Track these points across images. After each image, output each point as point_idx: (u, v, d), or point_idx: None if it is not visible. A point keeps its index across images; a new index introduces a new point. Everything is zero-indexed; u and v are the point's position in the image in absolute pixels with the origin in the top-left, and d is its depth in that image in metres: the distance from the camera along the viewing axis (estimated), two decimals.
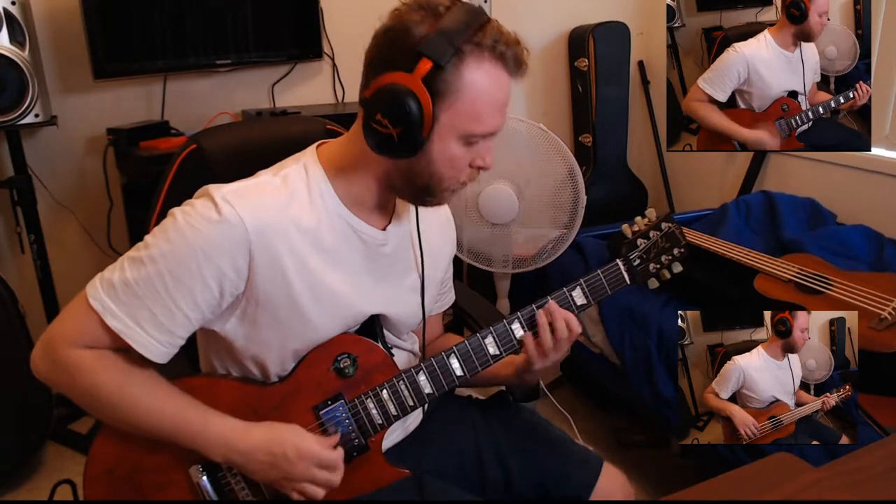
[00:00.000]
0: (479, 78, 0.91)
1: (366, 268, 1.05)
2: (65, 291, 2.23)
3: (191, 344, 1.09)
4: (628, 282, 1.11)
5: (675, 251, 1.13)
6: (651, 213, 1.15)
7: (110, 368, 0.94)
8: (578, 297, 1.08)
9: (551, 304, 1.07)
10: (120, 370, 0.94)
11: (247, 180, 0.99)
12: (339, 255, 1.01)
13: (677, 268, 1.14)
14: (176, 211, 0.95)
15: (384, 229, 1.05)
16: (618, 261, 1.11)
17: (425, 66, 0.88)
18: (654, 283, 1.14)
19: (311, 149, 1.04)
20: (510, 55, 0.93)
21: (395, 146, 0.92)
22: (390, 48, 0.91)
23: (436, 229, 1.17)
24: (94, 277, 0.95)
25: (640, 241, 1.12)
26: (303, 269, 0.97)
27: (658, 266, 1.13)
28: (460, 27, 0.90)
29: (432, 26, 0.89)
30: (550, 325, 1.05)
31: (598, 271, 1.10)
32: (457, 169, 0.97)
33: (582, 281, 1.09)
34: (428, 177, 0.97)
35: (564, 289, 1.08)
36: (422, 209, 1.09)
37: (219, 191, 0.94)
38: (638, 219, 1.14)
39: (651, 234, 1.12)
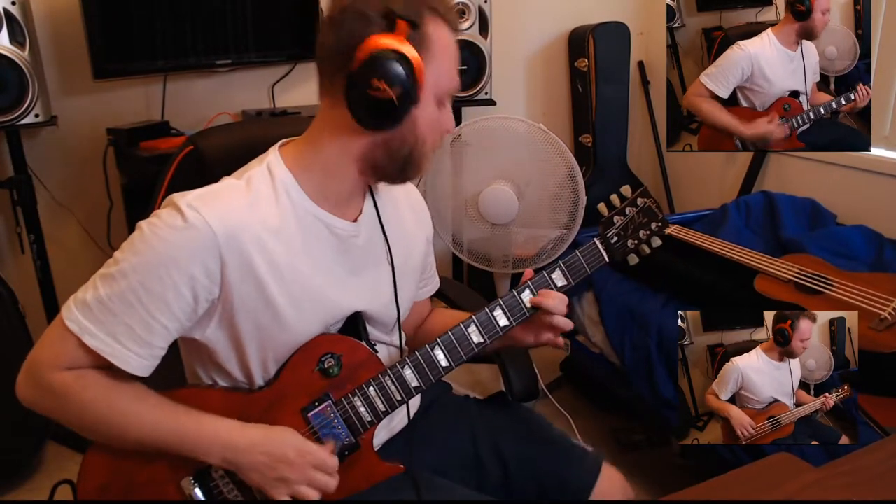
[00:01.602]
0: (443, 38, 0.96)
1: (340, 262, 1.04)
2: (65, 291, 2.22)
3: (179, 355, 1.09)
4: (607, 259, 1.12)
5: (653, 225, 1.13)
6: (626, 189, 1.15)
7: (95, 386, 0.94)
8: (558, 278, 1.09)
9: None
10: (105, 386, 0.94)
11: (210, 186, 0.99)
12: (311, 253, 1.01)
13: (656, 242, 1.14)
14: (142, 223, 0.95)
15: (355, 220, 1.06)
16: (595, 239, 1.12)
17: (403, 25, 0.91)
18: (633, 260, 1.13)
19: (274, 149, 1.04)
20: (453, 19, 0.98)
21: (394, 110, 0.93)
22: (357, 22, 0.92)
23: (408, 215, 1.17)
24: (68, 299, 0.95)
25: (616, 218, 1.12)
26: (275, 270, 0.97)
27: (636, 242, 1.13)
28: None
29: None
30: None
31: (577, 251, 1.10)
32: (436, 131, 1.01)
33: (561, 262, 1.09)
34: (413, 142, 0.98)
35: (544, 272, 1.09)
36: (394, 196, 1.12)
37: (183, 198, 0.94)
38: (613, 196, 1.14)
39: (627, 210, 1.12)
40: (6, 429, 1.96)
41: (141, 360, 0.94)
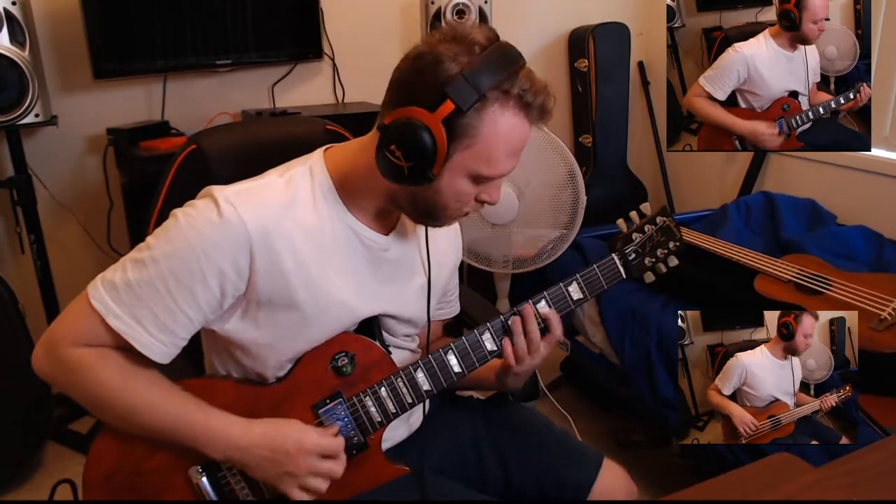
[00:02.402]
0: (498, 125, 0.91)
1: (369, 271, 1.05)
2: (65, 291, 2.23)
3: (195, 346, 1.09)
4: (624, 276, 1.12)
5: (671, 245, 1.14)
6: (646, 207, 1.15)
7: (112, 366, 0.94)
8: (575, 291, 1.09)
9: (525, 309, 1.06)
10: (122, 368, 0.95)
11: (250, 181, 0.99)
12: (342, 259, 1.01)
13: (673, 261, 1.14)
14: (178, 212, 0.95)
15: (387, 235, 1.06)
16: (613, 255, 1.12)
17: (447, 107, 0.88)
18: (650, 277, 1.14)
19: (319, 152, 1.05)
20: (536, 105, 0.93)
21: (404, 177, 0.92)
22: (417, 78, 0.91)
23: (443, 236, 1.17)
24: (95, 278, 0.95)
25: (635, 235, 1.13)
26: (303, 272, 0.97)
27: (654, 260, 1.13)
28: (491, 73, 0.89)
29: (464, 66, 0.88)
30: (524, 329, 1.05)
31: (594, 266, 1.10)
32: (462, 202, 0.98)
33: (578, 276, 1.09)
34: (432, 205, 0.97)
35: (561, 284, 1.09)
36: None
37: (221, 192, 0.94)
38: (633, 213, 1.15)
39: (646, 228, 1.13)
40: (6, 429, 1.96)
41: (162, 346, 0.94)
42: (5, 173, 2.16)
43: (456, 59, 0.89)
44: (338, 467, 0.99)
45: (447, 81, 0.88)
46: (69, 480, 1.62)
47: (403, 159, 0.90)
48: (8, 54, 1.87)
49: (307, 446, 0.97)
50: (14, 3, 1.86)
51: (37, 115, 1.94)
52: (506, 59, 0.90)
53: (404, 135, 0.89)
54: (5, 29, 1.86)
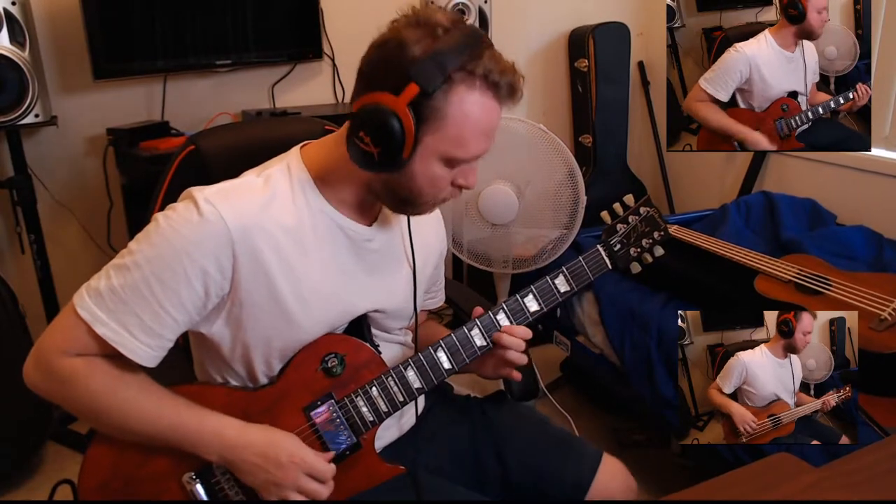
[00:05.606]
0: (466, 106, 0.92)
1: (354, 264, 1.05)
2: (65, 291, 2.23)
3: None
4: (609, 267, 1.12)
5: (656, 235, 1.14)
6: (629, 198, 1.15)
7: (102, 374, 0.94)
8: (561, 284, 1.09)
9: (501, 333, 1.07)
10: (112, 376, 0.95)
11: (229, 181, 1.00)
12: (325, 253, 1.01)
13: (658, 251, 1.15)
14: (158, 215, 0.96)
15: (370, 225, 1.06)
16: (598, 246, 1.12)
17: (412, 90, 0.89)
18: (636, 268, 1.15)
19: (295, 149, 1.05)
20: (504, 84, 0.93)
21: (375, 163, 0.93)
22: (382, 64, 0.92)
23: (427, 225, 1.18)
24: (80, 287, 0.95)
25: (619, 226, 1.13)
26: (286, 269, 0.98)
27: (639, 250, 1.14)
28: (455, 54, 0.90)
29: (427, 48, 0.89)
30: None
31: (580, 258, 1.11)
32: (437, 187, 0.98)
33: (564, 268, 1.10)
34: (408, 191, 0.98)
35: (547, 277, 1.09)
36: None
37: (201, 192, 0.95)
38: (616, 205, 1.15)
39: (630, 218, 1.13)
40: (6, 428, 1.96)
41: (149, 350, 0.94)
42: (5, 173, 2.16)
43: (419, 43, 0.90)
44: (323, 491, 1.00)
45: (411, 64, 0.89)
46: (69, 480, 1.62)
47: (372, 145, 0.91)
48: (8, 54, 1.87)
49: (300, 462, 0.97)
50: (14, 3, 1.86)
51: (37, 116, 1.94)
52: (469, 40, 0.91)
53: (371, 120, 0.90)
54: (5, 29, 1.86)
